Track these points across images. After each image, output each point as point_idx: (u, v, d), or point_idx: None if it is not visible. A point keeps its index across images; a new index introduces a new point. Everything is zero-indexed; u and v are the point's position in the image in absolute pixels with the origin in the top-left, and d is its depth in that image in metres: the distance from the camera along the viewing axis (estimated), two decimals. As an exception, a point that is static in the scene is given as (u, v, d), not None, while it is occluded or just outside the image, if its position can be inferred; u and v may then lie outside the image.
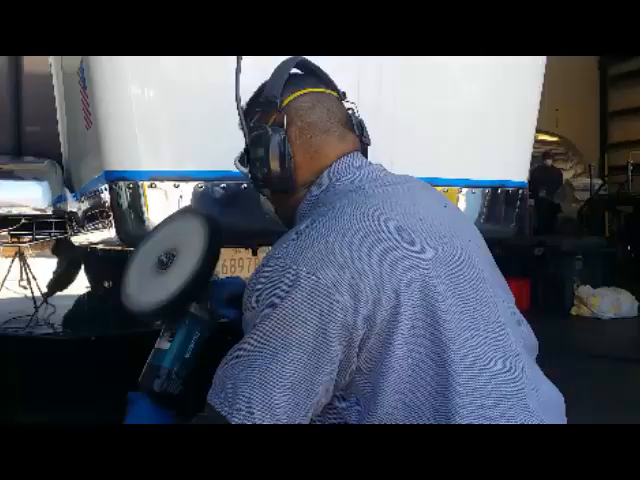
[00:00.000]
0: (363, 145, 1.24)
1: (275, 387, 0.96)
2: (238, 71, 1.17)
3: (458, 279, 1.05)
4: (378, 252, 1.00)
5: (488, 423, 0.97)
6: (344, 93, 1.23)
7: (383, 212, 1.05)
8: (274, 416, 0.96)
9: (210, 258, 1.24)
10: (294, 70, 1.21)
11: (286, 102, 1.16)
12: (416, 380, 0.99)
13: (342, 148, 1.17)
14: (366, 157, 1.24)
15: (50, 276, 4.74)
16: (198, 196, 2.01)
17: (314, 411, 1.00)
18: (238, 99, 1.18)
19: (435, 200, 1.18)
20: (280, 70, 1.19)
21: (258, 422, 0.95)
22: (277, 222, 1.28)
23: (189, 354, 1.29)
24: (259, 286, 1.01)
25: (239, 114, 1.18)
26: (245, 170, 1.21)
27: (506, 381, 1.02)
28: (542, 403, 1.06)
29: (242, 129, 1.18)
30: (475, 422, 0.97)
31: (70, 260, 4.45)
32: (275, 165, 1.14)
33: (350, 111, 1.22)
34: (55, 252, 4.53)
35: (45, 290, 4.74)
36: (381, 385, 0.99)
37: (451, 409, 0.97)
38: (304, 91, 1.18)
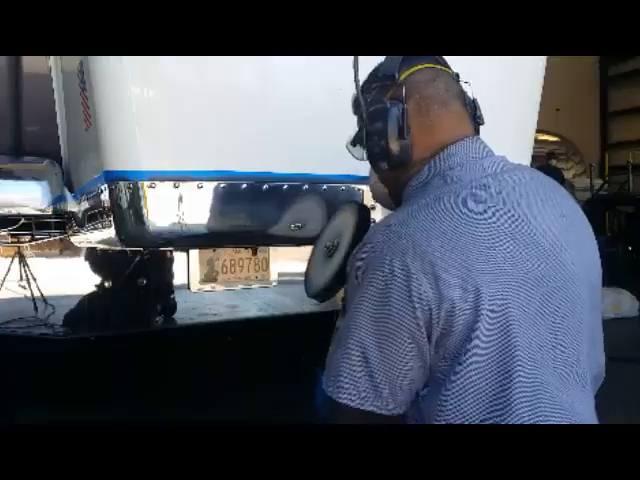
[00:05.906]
0: (477, 124, 1.23)
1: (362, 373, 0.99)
2: (356, 61, 1.16)
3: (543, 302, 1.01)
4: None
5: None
6: (458, 74, 1.23)
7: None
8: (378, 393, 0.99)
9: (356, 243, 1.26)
10: None
11: (404, 76, 1.16)
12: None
13: (460, 128, 1.16)
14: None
15: (50, 276, 4.75)
16: (198, 196, 2.01)
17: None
18: (357, 80, 1.16)
19: (552, 206, 1.11)
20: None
21: (363, 395, 1.00)
22: (390, 208, 1.27)
23: None
24: (359, 263, 1.03)
25: (356, 87, 1.17)
26: (357, 152, 1.22)
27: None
28: None
29: (358, 106, 1.18)
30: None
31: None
32: (393, 138, 1.14)
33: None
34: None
35: (45, 290, 4.75)
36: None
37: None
38: (421, 66, 1.18)
